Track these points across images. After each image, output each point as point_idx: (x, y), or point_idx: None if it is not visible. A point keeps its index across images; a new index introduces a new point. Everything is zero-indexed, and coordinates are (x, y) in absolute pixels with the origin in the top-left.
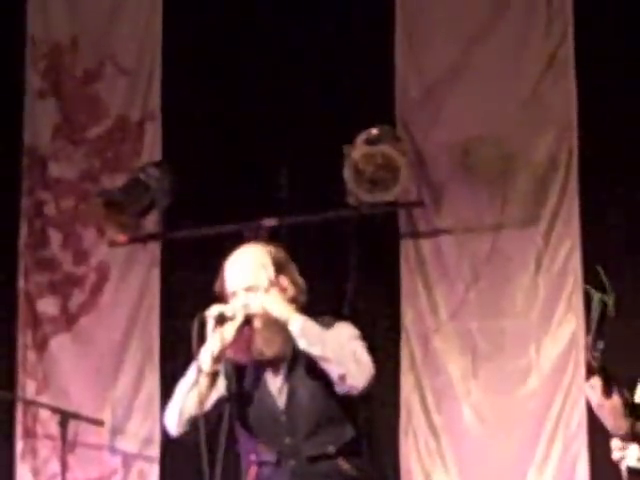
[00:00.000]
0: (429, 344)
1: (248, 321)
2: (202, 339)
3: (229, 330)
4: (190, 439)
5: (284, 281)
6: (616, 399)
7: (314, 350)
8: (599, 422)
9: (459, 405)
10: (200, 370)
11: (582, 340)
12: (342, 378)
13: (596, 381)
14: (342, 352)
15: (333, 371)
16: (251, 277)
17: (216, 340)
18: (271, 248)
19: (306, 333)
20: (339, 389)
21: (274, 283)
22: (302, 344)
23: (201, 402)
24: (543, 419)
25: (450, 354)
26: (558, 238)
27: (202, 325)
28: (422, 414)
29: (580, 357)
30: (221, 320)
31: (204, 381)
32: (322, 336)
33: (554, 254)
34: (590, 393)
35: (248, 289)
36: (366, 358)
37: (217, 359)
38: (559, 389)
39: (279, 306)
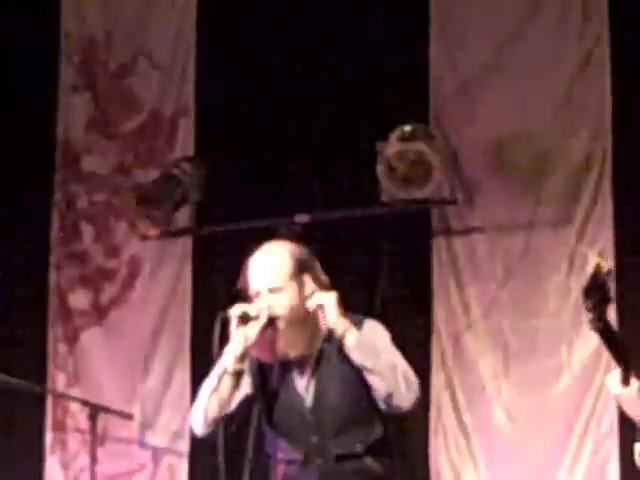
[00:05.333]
0: (460, 343)
1: (272, 322)
2: (225, 338)
3: (252, 330)
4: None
5: (307, 279)
6: (634, 386)
7: (367, 363)
8: (630, 423)
9: (490, 404)
10: (224, 370)
11: None
12: (389, 396)
13: (615, 371)
14: (394, 370)
15: (381, 388)
16: (276, 278)
17: (239, 340)
18: (293, 247)
19: (361, 345)
20: (383, 406)
21: (294, 281)
22: (355, 356)
23: (226, 402)
24: (574, 420)
25: (481, 353)
26: (591, 238)
27: (224, 324)
28: (452, 413)
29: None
30: (244, 319)
31: (228, 381)
32: (376, 350)
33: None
34: (609, 382)
35: (272, 290)
36: (414, 378)
37: (240, 359)
38: (590, 390)
39: (336, 317)
